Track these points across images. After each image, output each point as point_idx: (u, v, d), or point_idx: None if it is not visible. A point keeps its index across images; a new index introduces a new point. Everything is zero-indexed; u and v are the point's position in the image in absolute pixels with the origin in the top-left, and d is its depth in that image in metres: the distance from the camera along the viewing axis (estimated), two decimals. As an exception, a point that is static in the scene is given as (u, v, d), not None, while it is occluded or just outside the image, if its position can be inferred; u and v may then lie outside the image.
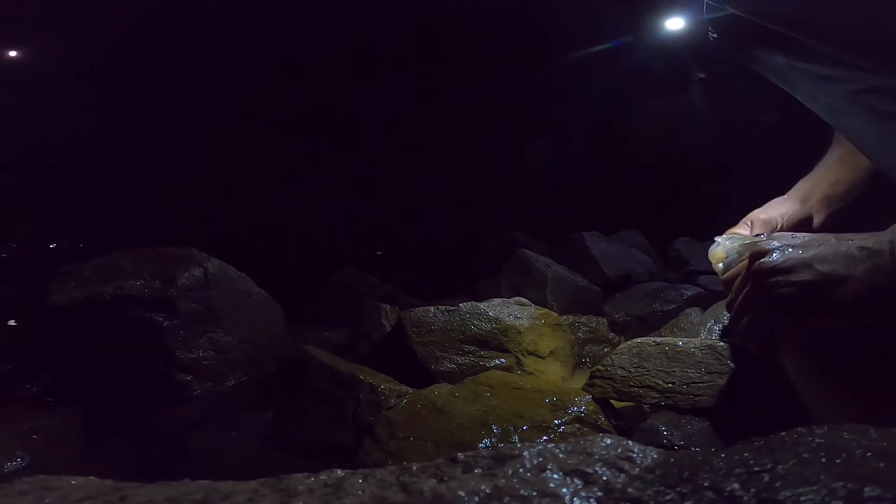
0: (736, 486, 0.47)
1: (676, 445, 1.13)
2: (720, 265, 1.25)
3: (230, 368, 1.78)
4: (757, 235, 1.23)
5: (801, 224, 1.31)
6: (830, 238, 0.92)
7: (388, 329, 1.98)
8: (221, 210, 4.71)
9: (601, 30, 4.50)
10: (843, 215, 1.33)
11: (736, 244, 1.22)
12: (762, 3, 1.15)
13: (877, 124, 1.05)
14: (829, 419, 0.96)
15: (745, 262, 1.06)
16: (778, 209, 1.33)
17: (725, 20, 1.24)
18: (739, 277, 1.06)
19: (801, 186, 1.37)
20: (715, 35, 1.29)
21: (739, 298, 1.03)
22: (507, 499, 0.48)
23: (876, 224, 0.92)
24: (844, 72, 1.07)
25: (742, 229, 1.32)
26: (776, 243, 0.99)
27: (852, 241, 0.88)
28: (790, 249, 0.95)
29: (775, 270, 0.95)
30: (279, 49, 4.90)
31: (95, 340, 1.68)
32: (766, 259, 0.97)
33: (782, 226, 1.30)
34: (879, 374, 0.89)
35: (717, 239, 1.29)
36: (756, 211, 1.34)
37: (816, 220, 1.33)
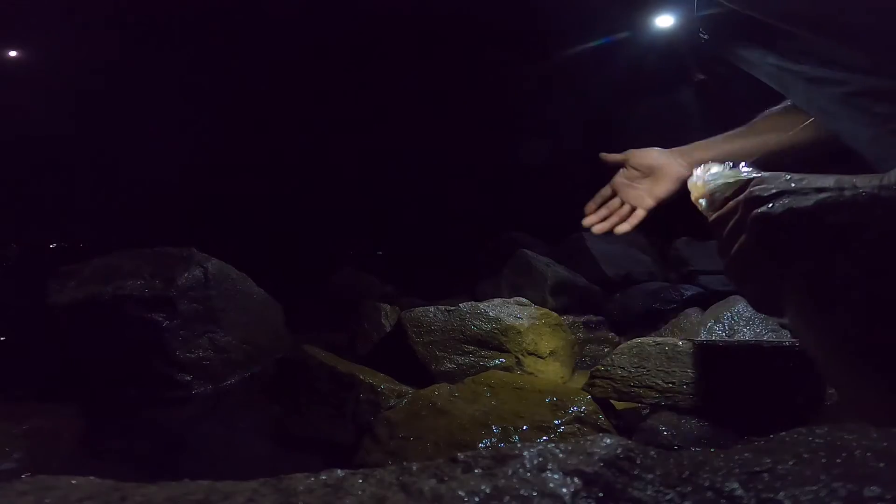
0: (736, 486, 0.47)
1: (676, 445, 1.13)
2: (702, 201, 1.17)
3: (230, 368, 1.78)
4: (742, 168, 1.19)
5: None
6: (829, 180, 0.87)
7: (388, 329, 1.98)
8: (221, 210, 4.71)
9: (601, 29, 4.50)
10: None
11: (720, 180, 1.14)
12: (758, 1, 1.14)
13: (872, 126, 1.04)
14: (833, 368, 0.91)
15: (736, 202, 1.00)
16: (649, 155, 1.38)
17: (717, 20, 1.23)
18: (734, 216, 0.98)
19: (715, 138, 1.40)
20: (706, 35, 1.28)
21: (728, 229, 0.97)
22: (507, 499, 0.48)
23: None
24: (838, 74, 1.06)
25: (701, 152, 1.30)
26: (770, 186, 0.92)
27: (856, 185, 0.83)
28: (788, 198, 0.89)
29: (765, 198, 0.90)
30: (279, 49, 4.90)
31: (95, 340, 1.68)
32: (757, 189, 0.92)
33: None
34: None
35: (696, 171, 1.22)
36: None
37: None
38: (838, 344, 0.89)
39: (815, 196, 0.84)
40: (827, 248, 0.84)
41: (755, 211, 0.90)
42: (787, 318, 0.96)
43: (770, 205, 0.88)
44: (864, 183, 0.82)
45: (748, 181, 0.95)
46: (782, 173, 0.93)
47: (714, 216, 1.05)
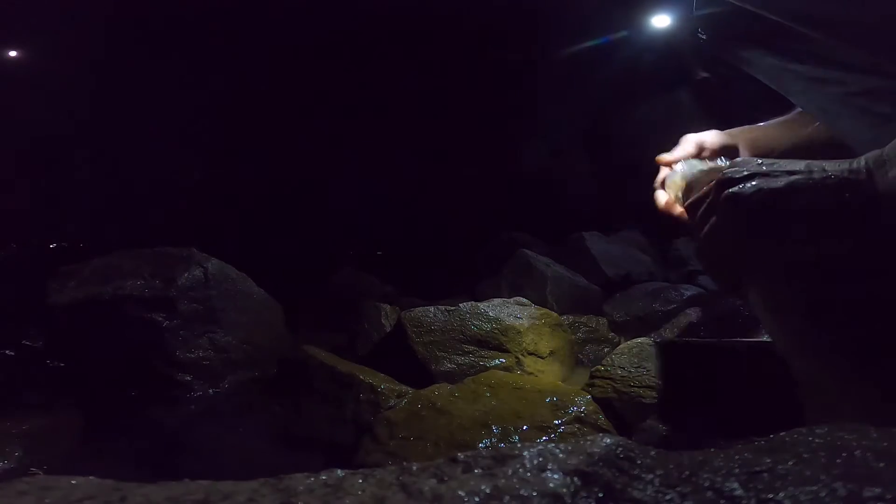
0: (736, 486, 0.47)
1: (676, 445, 1.13)
2: (680, 193, 1.18)
3: (230, 368, 1.78)
4: (720, 161, 1.18)
5: (724, 150, 1.30)
6: (800, 164, 0.89)
7: (388, 329, 1.98)
8: (221, 210, 4.71)
9: (601, 28, 4.50)
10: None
11: (696, 170, 1.16)
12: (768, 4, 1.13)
13: (872, 127, 1.04)
14: (794, 355, 0.94)
15: (710, 185, 1.01)
16: (706, 134, 1.32)
17: (715, 19, 1.22)
18: (706, 200, 0.99)
19: (734, 129, 1.37)
20: (704, 35, 1.27)
21: (701, 211, 0.98)
22: (507, 499, 0.48)
23: None
24: (838, 73, 1.06)
25: (684, 150, 1.29)
26: (743, 169, 0.93)
27: (825, 168, 0.86)
28: (760, 179, 0.90)
29: (737, 179, 0.91)
30: (279, 48, 4.90)
31: (95, 340, 1.68)
32: (730, 171, 0.94)
33: (707, 146, 1.29)
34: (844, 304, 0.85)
35: (676, 167, 1.23)
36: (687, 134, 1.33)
37: (741, 156, 1.31)
38: (799, 329, 0.91)
39: (786, 178, 0.87)
40: (795, 229, 0.85)
41: (726, 191, 0.91)
42: (749, 298, 0.98)
43: (741, 185, 0.90)
44: (833, 167, 0.84)
45: (723, 173, 0.96)
46: (755, 159, 0.94)
47: (688, 202, 1.07)
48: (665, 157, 1.28)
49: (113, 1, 4.39)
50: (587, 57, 4.61)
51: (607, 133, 4.90)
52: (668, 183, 1.21)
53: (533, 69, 4.99)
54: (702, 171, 1.13)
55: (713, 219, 0.95)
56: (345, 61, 5.09)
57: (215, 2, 4.67)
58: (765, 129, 1.35)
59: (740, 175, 0.91)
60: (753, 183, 0.89)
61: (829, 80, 1.08)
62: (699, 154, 1.27)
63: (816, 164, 0.86)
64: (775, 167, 0.90)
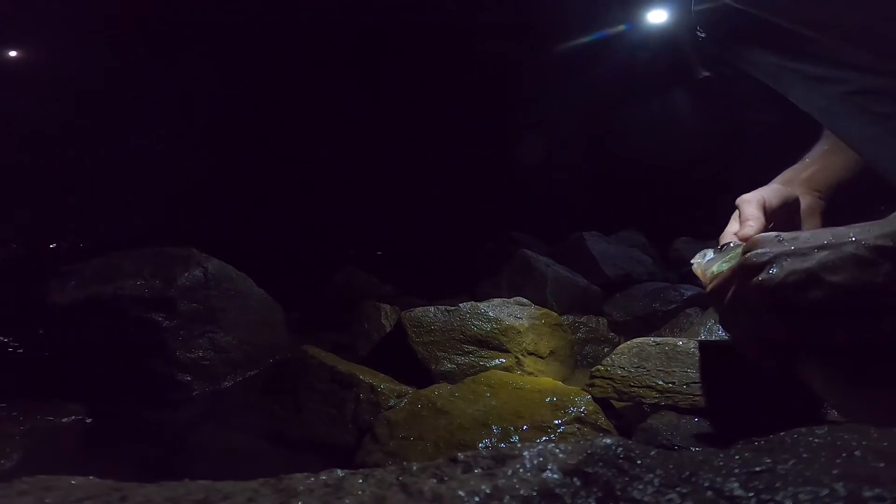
0: (736, 486, 0.47)
1: (676, 445, 1.13)
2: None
3: (230, 368, 1.78)
4: (735, 245, 1.13)
5: (786, 206, 1.24)
6: (826, 235, 0.81)
7: (388, 329, 1.98)
8: (221, 210, 4.71)
9: (601, 27, 4.50)
10: (826, 201, 1.28)
11: (716, 263, 1.10)
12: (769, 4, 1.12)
13: (872, 126, 1.04)
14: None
15: (732, 270, 0.95)
16: (760, 192, 1.25)
17: (714, 17, 1.22)
18: (731, 286, 0.93)
19: (786, 172, 1.33)
20: (703, 34, 1.26)
21: (728, 301, 0.92)
22: (507, 499, 0.48)
23: (858, 213, 0.85)
24: (838, 72, 1.05)
25: (734, 226, 1.25)
26: (766, 249, 0.86)
27: (855, 239, 0.78)
28: (787, 260, 0.82)
29: (763, 264, 0.84)
30: (278, 49, 4.90)
31: (95, 340, 1.68)
32: (752, 254, 0.87)
33: (770, 207, 1.23)
34: None
35: (695, 259, 1.21)
36: (742, 196, 1.26)
37: (805, 202, 1.27)
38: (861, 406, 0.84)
39: (816, 255, 0.79)
40: (836, 310, 0.78)
41: (755, 280, 0.85)
42: (803, 377, 0.91)
43: (770, 270, 0.83)
44: (863, 235, 0.77)
45: (748, 265, 0.89)
46: (773, 234, 0.89)
47: (710, 287, 1.02)
48: (737, 231, 1.20)
49: (113, 1, 4.39)
50: (587, 55, 4.60)
51: (608, 132, 4.90)
52: (695, 271, 1.19)
53: (533, 68, 4.99)
54: (723, 263, 1.07)
55: (745, 311, 0.89)
56: (344, 59, 5.09)
57: (216, 2, 4.67)
58: (817, 164, 1.29)
59: (766, 258, 0.84)
60: (782, 265, 0.82)
61: (828, 79, 1.07)
62: (764, 214, 1.20)
63: (843, 234, 0.79)
64: (799, 243, 0.83)
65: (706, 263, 1.16)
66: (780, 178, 1.33)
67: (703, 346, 1.31)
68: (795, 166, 1.34)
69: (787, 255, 0.83)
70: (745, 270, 0.88)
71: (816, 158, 1.33)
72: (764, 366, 0.97)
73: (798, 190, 1.28)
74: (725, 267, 1.06)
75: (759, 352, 0.93)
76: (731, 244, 1.15)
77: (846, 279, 0.76)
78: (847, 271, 0.76)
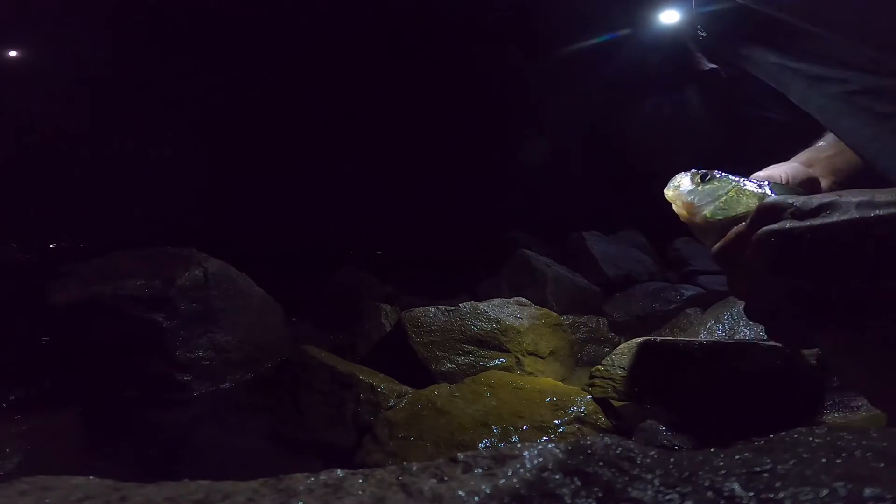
0: (736, 486, 0.47)
1: (676, 445, 1.13)
2: (695, 215, 1.03)
3: (230, 368, 1.77)
4: (721, 178, 1.04)
5: (806, 185, 1.18)
6: (844, 203, 0.78)
7: (388, 329, 1.98)
8: (221, 210, 4.71)
9: (601, 27, 4.50)
10: (846, 185, 1.25)
11: (707, 205, 1.01)
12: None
13: (871, 125, 1.04)
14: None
15: (739, 233, 0.90)
16: (781, 168, 1.20)
17: (716, 16, 1.21)
18: (740, 248, 0.89)
19: (803, 154, 1.28)
20: (704, 33, 1.25)
21: (742, 269, 0.88)
22: (507, 499, 0.48)
23: None
24: (839, 72, 1.05)
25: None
26: (773, 201, 0.83)
27: (867, 193, 0.76)
28: (792, 203, 0.79)
29: (793, 239, 0.79)
30: (279, 49, 4.90)
31: (95, 340, 1.68)
32: (769, 228, 0.82)
33: (794, 182, 1.16)
34: None
35: (681, 178, 1.08)
36: (757, 173, 1.20)
37: (824, 184, 1.22)
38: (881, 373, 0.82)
39: (836, 236, 0.76)
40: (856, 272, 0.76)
41: (771, 259, 0.83)
42: (819, 344, 0.91)
43: (786, 251, 0.81)
44: (887, 197, 0.76)
45: (769, 207, 0.85)
46: (787, 198, 0.85)
47: (717, 247, 0.96)
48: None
49: (114, 2, 4.39)
50: (588, 55, 4.60)
51: (608, 132, 4.90)
52: (680, 196, 1.08)
53: (534, 67, 4.98)
54: (736, 195, 0.99)
55: (760, 281, 0.85)
56: (346, 60, 5.09)
57: (217, 3, 4.67)
58: (835, 148, 1.25)
59: (783, 235, 0.81)
60: (801, 245, 0.80)
61: (829, 79, 1.07)
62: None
63: (855, 196, 0.77)
64: (818, 220, 0.79)
65: (687, 194, 1.07)
66: (799, 157, 1.28)
67: (703, 346, 1.31)
68: (813, 148, 1.30)
69: (805, 232, 0.80)
70: (760, 245, 0.84)
71: (833, 143, 1.30)
72: (778, 336, 0.95)
73: (818, 171, 1.24)
74: (720, 215, 1.00)
75: (773, 325, 0.91)
76: (718, 174, 1.06)
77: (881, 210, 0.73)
78: (880, 207, 0.74)
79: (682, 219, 1.10)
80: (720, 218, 1.00)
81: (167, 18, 4.57)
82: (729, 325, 1.83)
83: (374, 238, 4.64)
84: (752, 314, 0.95)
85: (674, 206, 1.11)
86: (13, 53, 4.86)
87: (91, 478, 0.59)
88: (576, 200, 4.43)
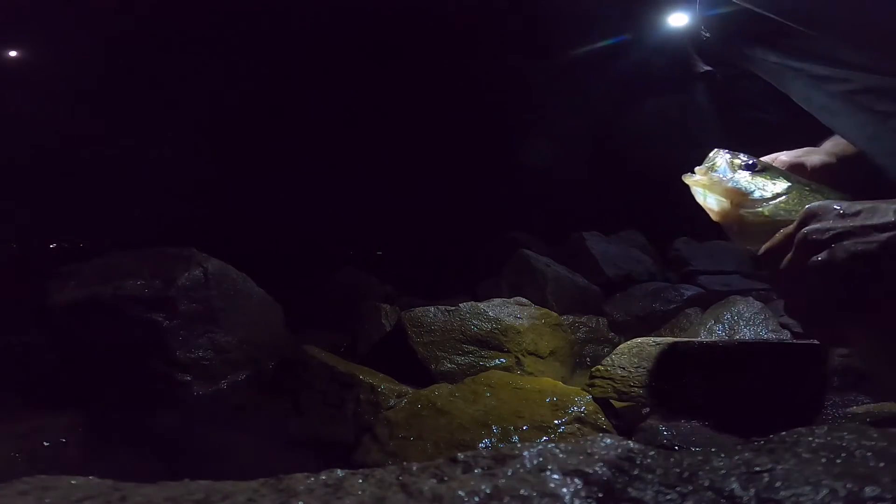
0: (736, 486, 0.47)
1: (676, 445, 1.13)
2: (714, 200, 1.00)
3: (230, 368, 1.77)
4: (776, 176, 1.02)
5: (831, 175, 1.18)
6: (888, 214, 0.81)
7: (388, 329, 1.98)
8: (221, 210, 4.71)
9: (601, 28, 4.50)
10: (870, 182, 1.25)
11: (783, 191, 0.97)
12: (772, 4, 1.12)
13: (871, 124, 1.04)
14: None
15: (786, 236, 0.92)
16: (806, 155, 1.21)
17: (721, 19, 1.22)
18: (785, 252, 0.91)
19: (827, 143, 1.28)
20: (707, 34, 1.26)
21: (785, 273, 0.91)
22: (507, 499, 0.48)
23: None
24: (840, 71, 1.06)
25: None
26: (825, 225, 0.85)
27: None
28: (849, 241, 0.82)
29: (824, 242, 0.83)
30: (279, 49, 4.90)
31: (95, 340, 1.68)
32: (811, 228, 0.85)
33: (811, 171, 1.18)
34: None
35: (718, 160, 1.04)
36: (780, 154, 1.20)
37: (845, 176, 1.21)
38: None
39: (877, 236, 0.79)
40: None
41: (814, 259, 0.85)
42: (853, 347, 0.93)
43: (830, 251, 0.83)
44: None
45: (811, 214, 0.87)
46: (832, 203, 0.87)
47: (763, 249, 0.97)
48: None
49: (114, 1, 4.39)
50: (590, 56, 4.60)
51: (608, 132, 4.90)
52: (707, 184, 1.04)
53: (537, 69, 4.98)
54: (788, 202, 0.97)
55: (802, 284, 0.88)
56: (345, 61, 5.09)
57: (214, 2, 4.67)
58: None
59: (826, 236, 0.83)
60: (844, 247, 0.82)
61: (830, 78, 1.08)
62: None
63: (893, 204, 0.79)
64: (861, 220, 0.81)
65: (731, 181, 1.01)
66: (826, 149, 1.27)
67: (703, 347, 1.31)
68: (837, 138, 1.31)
69: (848, 233, 0.82)
70: (805, 245, 0.87)
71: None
72: (815, 334, 0.97)
73: (838, 160, 1.23)
74: (783, 216, 0.97)
75: (812, 322, 0.93)
76: (752, 161, 1.03)
77: None
78: None
79: (712, 208, 1.06)
80: (778, 219, 0.98)
81: (167, 18, 4.57)
82: (729, 325, 1.84)
83: (374, 238, 4.64)
84: (792, 312, 0.97)
85: (702, 194, 1.07)
86: (13, 53, 4.86)
87: (91, 478, 0.59)
88: (576, 200, 4.43)
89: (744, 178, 1.02)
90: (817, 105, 1.13)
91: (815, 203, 0.90)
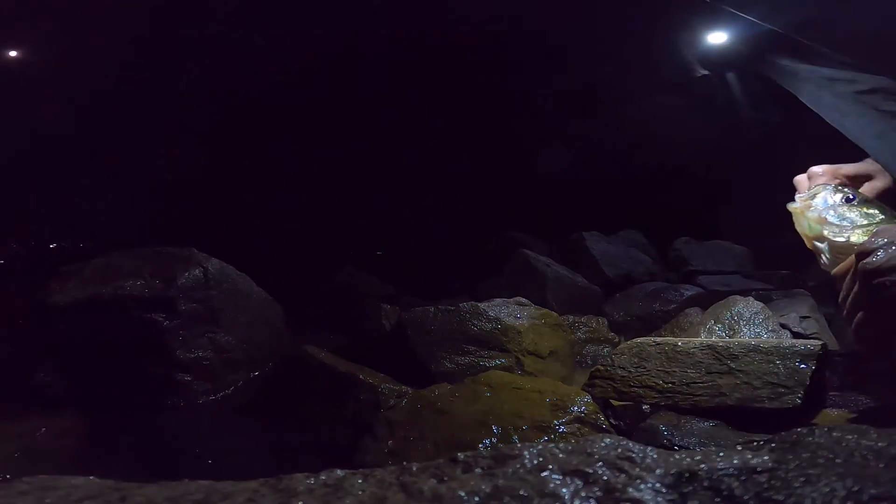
0: (736, 486, 0.47)
1: (676, 445, 1.13)
2: (822, 244, 1.08)
3: (230, 368, 1.77)
4: (866, 205, 1.08)
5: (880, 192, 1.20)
6: None
7: (388, 329, 1.98)
8: (221, 210, 4.71)
9: (601, 29, 4.50)
10: None
11: (874, 221, 1.04)
12: (778, 12, 1.15)
13: (878, 123, 1.06)
14: None
15: (851, 265, 0.98)
16: (853, 167, 1.22)
17: (753, 37, 1.25)
18: (848, 275, 0.98)
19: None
20: (743, 48, 1.30)
21: (850, 298, 0.97)
22: (507, 499, 0.48)
23: None
24: (848, 73, 1.08)
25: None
26: (886, 252, 0.91)
27: None
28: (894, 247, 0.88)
29: (886, 270, 0.89)
30: (279, 48, 4.90)
31: (95, 340, 1.68)
32: (873, 262, 0.92)
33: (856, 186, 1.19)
34: None
35: (822, 193, 1.09)
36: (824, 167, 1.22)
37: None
38: None
39: None
40: None
41: (879, 295, 0.90)
42: None
43: (885, 279, 0.88)
44: None
45: (864, 250, 0.92)
46: (893, 228, 0.92)
47: (835, 271, 1.04)
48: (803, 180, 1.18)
49: (114, 1, 4.39)
50: (591, 57, 4.60)
51: (608, 133, 4.90)
52: (810, 218, 1.10)
53: (536, 69, 4.99)
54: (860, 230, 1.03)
55: (859, 304, 0.94)
56: (346, 61, 5.09)
57: (219, 4, 4.67)
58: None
59: (889, 265, 0.89)
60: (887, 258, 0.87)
61: (839, 79, 1.11)
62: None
63: None
64: None
65: (825, 210, 1.07)
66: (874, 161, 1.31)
67: (703, 347, 1.31)
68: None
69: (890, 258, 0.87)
70: (868, 276, 0.92)
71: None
72: (874, 358, 1.05)
73: (874, 171, 1.25)
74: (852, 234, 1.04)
75: (873, 346, 0.98)
76: (853, 197, 1.08)
77: None
78: None
79: (805, 231, 1.12)
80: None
81: (169, 17, 4.57)
82: (729, 324, 1.84)
83: (374, 238, 4.64)
84: (854, 334, 1.01)
85: (799, 220, 1.13)
86: (13, 53, 4.86)
87: (91, 478, 0.59)
88: (576, 200, 4.43)
89: (838, 208, 1.09)
90: (825, 105, 1.15)
91: (882, 228, 0.95)
